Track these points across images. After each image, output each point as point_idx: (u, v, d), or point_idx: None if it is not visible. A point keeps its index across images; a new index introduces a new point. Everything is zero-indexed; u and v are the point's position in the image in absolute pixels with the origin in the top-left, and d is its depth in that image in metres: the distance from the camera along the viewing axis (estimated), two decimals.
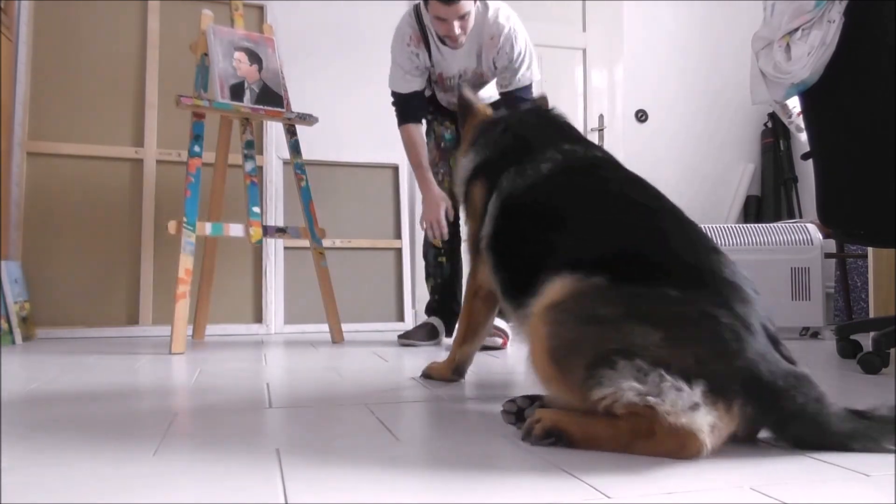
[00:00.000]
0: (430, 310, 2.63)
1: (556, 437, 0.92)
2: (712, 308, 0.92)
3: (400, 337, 2.52)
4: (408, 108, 2.44)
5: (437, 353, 2.17)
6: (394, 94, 2.47)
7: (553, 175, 1.23)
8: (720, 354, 0.88)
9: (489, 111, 1.62)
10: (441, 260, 2.55)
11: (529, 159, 1.28)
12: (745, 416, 0.87)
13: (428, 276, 2.62)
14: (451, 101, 2.50)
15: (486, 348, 2.27)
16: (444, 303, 2.59)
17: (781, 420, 0.90)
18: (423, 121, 2.54)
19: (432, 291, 2.62)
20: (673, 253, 1.02)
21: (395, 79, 2.44)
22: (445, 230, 2.30)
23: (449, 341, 2.56)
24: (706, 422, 0.85)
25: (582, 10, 3.87)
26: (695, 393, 0.85)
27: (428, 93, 2.54)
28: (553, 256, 1.08)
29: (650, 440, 0.87)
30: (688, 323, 0.91)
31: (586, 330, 0.94)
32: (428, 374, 1.62)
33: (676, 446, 0.86)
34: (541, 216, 1.18)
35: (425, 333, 2.50)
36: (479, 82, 2.42)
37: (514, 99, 2.32)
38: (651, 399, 0.85)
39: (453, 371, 1.58)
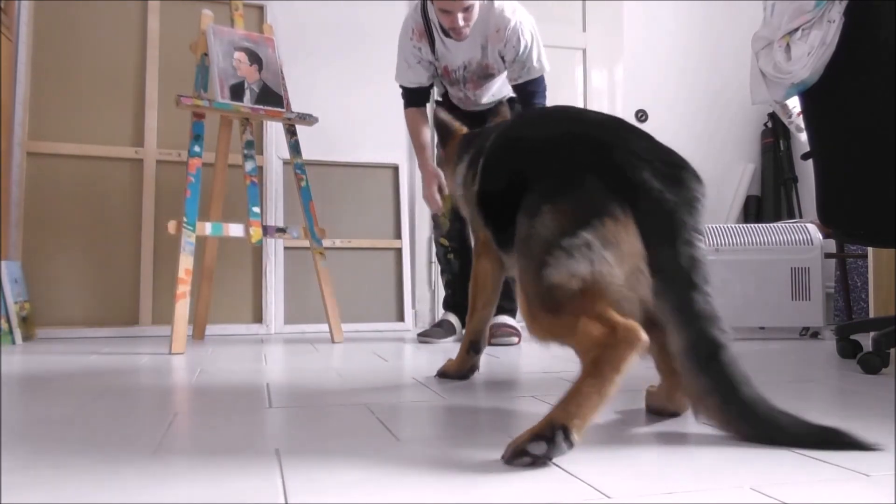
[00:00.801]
0: (446, 304, 2.77)
1: (548, 440, 0.84)
2: (583, 156, 1.03)
3: (419, 335, 2.63)
4: (412, 96, 2.54)
5: (434, 353, 2.17)
6: (400, 86, 2.56)
7: (518, 118, 1.36)
8: (585, 185, 0.99)
9: (464, 129, 1.76)
10: (450, 257, 2.69)
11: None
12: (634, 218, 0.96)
13: (442, 273, 2.77)
14: (458, 97, 2.53)
15: (501, 345, 2.41)
16: (456, 296, 2.72)
17: (659, 213, 0.97)
18: (427, 104, 2.64)
19: (447, 286, 2.77)
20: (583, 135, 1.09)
21: (400, 72, 2.51)
22: (440, 203, 2.44)
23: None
24: (606, 259, 0.94)
25: (582, 10, 3.87)
26: (584, 236, 0.95)
27: (440, 90, 2.61)
28: (514, 193, 1.14)
29: (611, 347, 0.89)
30: (563, 181, 1.02)
31: (532, 261, 1.01)
32: (444, 373, 1.62)
33: (623, 323, 0.90)
34: (504, 154, 1.25)
35: (443, 331, 2.61)
36: (485, 74, 2.44)
37: (527, 91, 2.38)
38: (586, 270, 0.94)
39: (469, 348, 1.58)
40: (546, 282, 0.97)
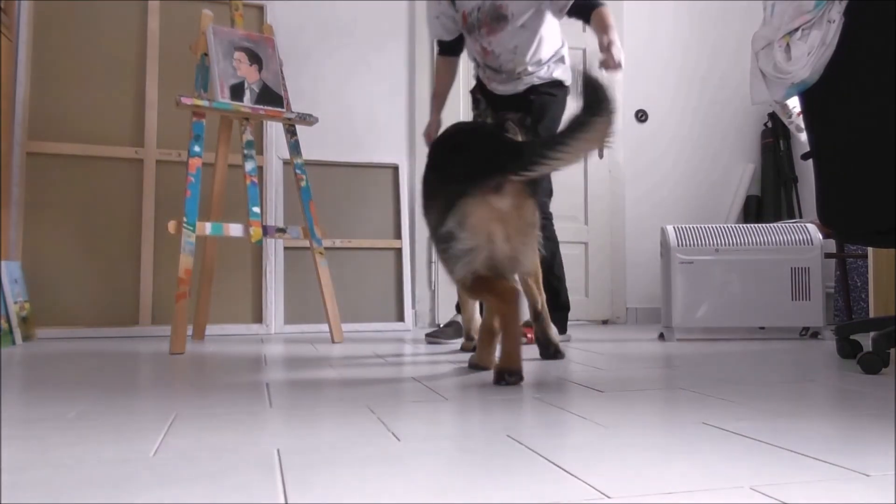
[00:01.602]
0: (457, 307, 2.73)
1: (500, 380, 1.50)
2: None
3: (427, 335, 2.62)
4: (441, 46, 2.73)
5: (435, 354, 2.17)
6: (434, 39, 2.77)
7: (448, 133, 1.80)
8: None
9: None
10: None
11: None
12: None
13: None
14: (478, 52, 2.59)
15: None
16: None
17: None
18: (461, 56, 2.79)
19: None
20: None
21: (429, 24, 2.69)
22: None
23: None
24: None
25: None
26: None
27: (476, 68, 2.69)
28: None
29: (504, 309, 1.54)
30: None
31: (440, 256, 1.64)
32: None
33: (504, 288, 1.57)
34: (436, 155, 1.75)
35: (452, 332, 2.61)
36: (497, 15, 2.46)
37: (586, 6, 2.42)
38: None
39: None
40: (455, 277, 1.56)
